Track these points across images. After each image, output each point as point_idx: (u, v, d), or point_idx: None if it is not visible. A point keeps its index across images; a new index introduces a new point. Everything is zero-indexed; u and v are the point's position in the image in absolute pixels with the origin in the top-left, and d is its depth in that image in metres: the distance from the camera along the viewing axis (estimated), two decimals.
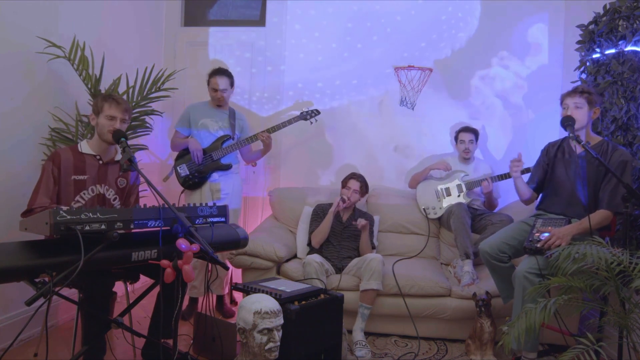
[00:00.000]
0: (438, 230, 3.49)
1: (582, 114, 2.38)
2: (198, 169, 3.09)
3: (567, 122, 2.32)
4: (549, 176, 2.63)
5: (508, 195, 3.41)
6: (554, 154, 2.61)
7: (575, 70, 2.99)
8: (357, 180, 3.14)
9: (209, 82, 3.13)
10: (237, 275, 3.54)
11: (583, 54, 2.92)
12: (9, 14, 2.48)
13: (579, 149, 2.46)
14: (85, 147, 2.31)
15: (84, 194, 2.27)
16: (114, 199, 2.37)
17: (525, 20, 3.72)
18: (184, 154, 3.15)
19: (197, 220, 2.05)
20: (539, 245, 2.28)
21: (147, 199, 2.68)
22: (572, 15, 3.47)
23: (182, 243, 1.76)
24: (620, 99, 2.59)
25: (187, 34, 4.10)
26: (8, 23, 2.48)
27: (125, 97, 2.93)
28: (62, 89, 2.86)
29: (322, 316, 2.28)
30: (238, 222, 3.31)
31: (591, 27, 2.85)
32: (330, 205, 3.11)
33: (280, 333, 1.97)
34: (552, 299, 1.82)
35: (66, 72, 2.78)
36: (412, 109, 3.81)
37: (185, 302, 3.15)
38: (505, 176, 3.17)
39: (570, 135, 2.24)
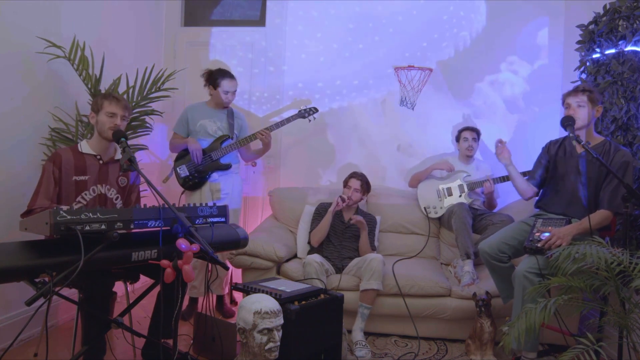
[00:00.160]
0: (438, 230, 3.49)
1: (584, 112, 2.37)
2: (198, 169, 3.09)
3: (567, 122, 2.32)
4: (550, 175, 2.63)
5: (508, 196, 3.41)
6: (554, 152, 2.61)
7: (575, 70, 2.99)
8: (358, 179, 3.14)
9: (218, 84, 3.09)
10: (237, 275, 3.54)
11: (583, 54, 2.92)
12: (9, 14, 2.48)
13: (579, 149, 2.45)
14: (85, 147, 2.31)
15: (85, 194, 2.27)
16: (116, 198, 2.37)
17: (525, 21, 3.72)
18: (183, 155, 3.14)
19: (197, 220, 2.05)
20: (539, 245, 2.28)
21: (147, 199, 2.67)
22: (572, 15, 3.47)
23: (182, 243, 1.76)
24: (620, 99, 2.59)
25: (187, 34, 4.10)
26: (8, 23, 2.48)
27: (125, 97, 2.93)
28: (62, 89, 2.86)
29: (322, 316, 2.28)
30: (238, 222, 3.31)
31: (591, 27, 2.85)
32: (332, 204, 3.11)
33: (280, 333, 1.97)
34: (552, 299, 1.82)
35: (66, 72, 2.78)
36: (412, 108, 3.81)
37: (185, 302, 3.15)
38: (507, 178, 3.17)
39: (571, 135, 2.24)
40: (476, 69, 3.78)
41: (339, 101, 3.94)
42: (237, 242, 2.25)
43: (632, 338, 1.79)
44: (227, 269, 1.91)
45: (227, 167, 3.16)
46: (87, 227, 1.67)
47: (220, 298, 3.29)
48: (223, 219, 2.15)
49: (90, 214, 1.69)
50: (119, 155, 2.38)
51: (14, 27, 2.52)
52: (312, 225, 3.18)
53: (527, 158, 2.77)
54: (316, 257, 2.83)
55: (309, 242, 3.17)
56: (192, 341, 2.56)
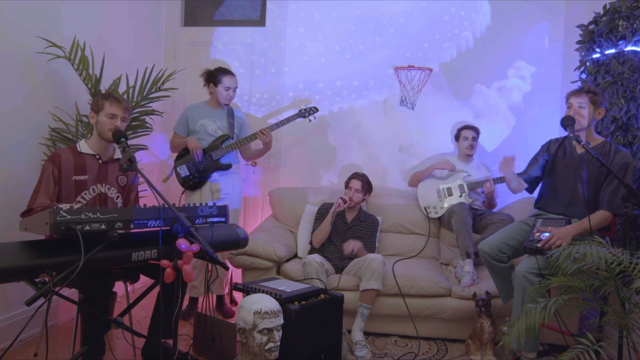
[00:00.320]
0: (438, 230, 3.49)
1: (585, 114, 2.37)
2: (198, 168, 3.09)
3: (566, 122, 2.31)
4: (549, 175, 2.63)
5: (508, 195, 3.40)
6: (554, 152, 2.61)
7: (575, 70, 2.99)
8: (359, 180, 3.14)
9: (219, 81, 3.09)
10: (237, 275, 3.54)
11: (583, 54, 2.92)
12: (9, 14, 2.48)
13: (579, 149, 2.45)
14: (84, 146, 2.30)
15: (85, 194, 2.27)
16: (117, 198, 2.37)
17: (526, 21, 3.72)
18: (183, 154, 3.14)
19: (197, 220, 2.05)
20: (539, 245, 2.28)
21: (147, 199, 2.68)
22: (572, 15, 3.47)
23: (182, 243, 1.76)
24: (620, 99, 2.59)
25: (187, 34, 4.10)
26: (8, 23, 2.48)
27: (125, 97, 2.92)
28: (62, 89, 2.86)
29: (322, 316, 2.28)
30: (238, 222, 3.30)
31: (591, 27, 2.85)
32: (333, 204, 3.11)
33: (280, 333, 1.97)
34: (552, 299, 1.82)
35: (66, 72, 2.78)
36: (412, 108, 3.81)
37: (185, 302, 3.15)
38: (503, 180, 3.17)
39: (571, 135, 2.23)
40: (477, 70, 3.78)
41: (339, 102, 3.94)
42: (237, 242, 2.25)
43: (632, 338, 1.79)
44: (227, 269, 1.91)
45: (227, 167, 3.16)
46: (87, 227, 1.67)
47: (220, 298, 3.29)
48: (223, 219, 2.15)
49: (90, 213, 1.69)
50: (118, 155, 2.38)
51: (14, 27, 2.52)
52: (314, 225, 3.19)
53: (527, 158, 2.77)
54: (316, 257, 2.83)
55: (310, 242, 3.17)
56: (192, 341, 2.56)
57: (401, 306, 2.80)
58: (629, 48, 2.59)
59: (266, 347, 1.92)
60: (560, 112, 3.44)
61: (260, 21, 4.05)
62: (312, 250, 3.13)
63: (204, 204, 2.10)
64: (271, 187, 3.87)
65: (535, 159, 2.70)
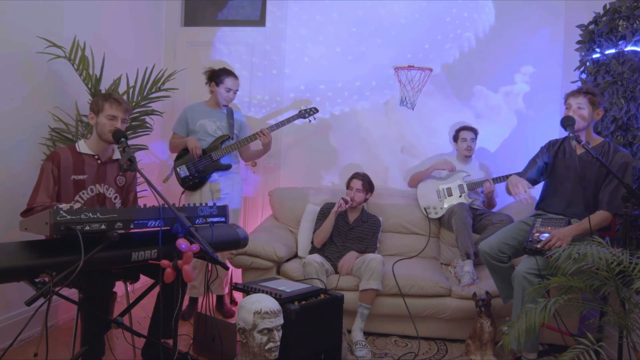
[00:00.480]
0: (438, 231, 3.49)
1: (584, 114, 2.37)
2: (198, 169, 3.09)
3: (566, 122, 2.31)
4: (549, 175, 2.63)
5: (508, 195, 3.40)
6: (554, 152, 2.61)
7: (575, 70, 2.99)
8: (360, 180, 3.14)
9: (221, 81, 3.10)
10: (237, 275, 3.54)
11: (583, 54, 2.92)
12: (9, 14, 2.48)
13: (579, 149, 2.45)
14: (83, 146, 2.30)
15: (83, 193, 2.27)
16: (115, 198, 2.37)
17: (526, 21, 3.72)
18: (183, 155, 3.14)
19: (197, 220, 2.05)
20: (538, 246, 2.28)
21: (147, 199, 2.68)
22: (572, 15, 3.47)
23: (182, 243, 1.76)
24: (620, 99, 2.59)
25: (187, 34, 4.10)
26: (8, 23, 2.48)
27: (125, 97, 2.93)
28: (62, 89, 2.86)
29: (322, 316, 2.28)
30: (238, 222, 3.30)
31: (591, 27, 2.85)
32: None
33: (280, 333, 1.97)
34: (552, 299, 1.82)
35: (66, 72, 2.78)
36: (412, 108, 3.81)
37: (185, 302, 3.15)
38: (507, 178, 3.17)
39: (570, 135, 2.23)
40: (478, 71, 3.78)
41: (341, 103, 3.94)
42: (237, 242, 2.25)
43: (632, 338, 1.79)
44: (227, 269, 1.91)
45: (227, 167, 3.16)
46: (87, 227, 1.67)
47: (220, 298, 3.29)
48: (223, 219, 2.15)
49: (90, 214, 1.69)
50: (117, 155, 2.39)
51: (15, 27, 2.52)
52: (316, 225, 3.19)
53: (527, 158, 2.77)
54: (316, 257, 2.83)
55: (312, 242, 3.17)
56: (192, 341, 2.56)
57: (401, 306, 2.80)
58: (629, 48, 2.59)
59: (266, 347, 1.92)
60: (560, 112, 3.43)
61: (260, 21, 4.05)
62: (313, 250, 3.13)
63: (204, 204, 2.10)
64: (271, 187, 3.87)
65: (533, 161, 2.69)
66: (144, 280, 2.43)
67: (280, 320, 1.98)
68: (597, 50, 2.76)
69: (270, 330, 1.92)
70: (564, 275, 1.86)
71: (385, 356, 2.64)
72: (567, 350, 1.69)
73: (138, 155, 3.23)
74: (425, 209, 3.45)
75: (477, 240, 3.01)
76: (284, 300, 2.14)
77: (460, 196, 3.33)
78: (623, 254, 1.76)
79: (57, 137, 2.74)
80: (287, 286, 2.34)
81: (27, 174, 2.55)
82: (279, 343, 1.96)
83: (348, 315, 2.71)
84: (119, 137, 2.15)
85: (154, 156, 3.93)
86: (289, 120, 3.29)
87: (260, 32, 4.00)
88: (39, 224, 1.64)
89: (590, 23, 2.86)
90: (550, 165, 2.61)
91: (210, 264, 2.03)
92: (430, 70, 3.74)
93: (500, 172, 3.24)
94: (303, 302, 2.21)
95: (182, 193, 3.16)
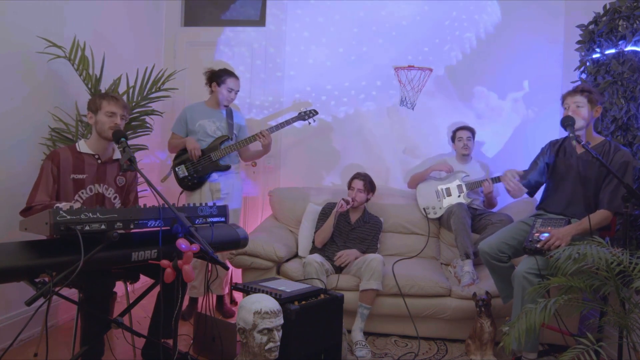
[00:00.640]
0: (438, 230, 3.49)
1: (583, 113, 2.37)
2: (196, 169, 3.09)
3: (566, 122, 2.31)
4: (550, 175, 2.62)
5: (508, 195, 3.40)
6: (555, 152, 2.61)
7: (575, 70, 2.99)
8: (361, 179, 3.14)
9: (223, 81, 3.10)
10: (237, 275, 3.54)
11: (583, 54, 2.92)
12: (10, 14, 2.48)
13: (579, 149, 2.45)
14: (83, 146, 2.30)
15: (82, 193, 2.27)
16: (114, 198, 2.37)
17: (526, 21, 3.71)
18: (182, 155, 3.14)
19: (197, 220, 2.05)
20: (538, 245, 2.28)
21: (147, 199, 2.68)
22: (572, 15, 3.48)
23: (182, 243, 1.76)
24: (620, 99, 2.59)
25: (187, 34, 4.10)
26: (8, 23, 2.48)
27: (125, 97, 2.93)
28: (62, 89, 2.86)
29: (322, 316, 2.28)
30: (238, 222, 3.31)
31: (591, 27, 2.85)
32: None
33: (280, 333, 1.97)
34: (552, 299, 1.82)
35: (66, 72, 2.78)
36: (412, 109, 3.81)
37: (185, 302, 3.15)
38: None
39: (571, 135, 2.23)
40: (478, 71, 3.78)
41: (342, 104, 3.94)
42: (237, 242, 2.25)
43: (632, 338, 1.79)
44: (227, 269, 1.91)
45: (226, 168, 3.16)
46: (87, 227, 1.67)
47: (220, 298, 3.29)
48: (223, 219, 2.15)
49: (90, 214, 1.69)
50: (117, 155, 2.39)
51: (15, 27, 2.52)
52: (317, 224, 3.19)
53: (527, 158, 2.77)
54: (316, 257, 2.83)
55: (313, 242, 3.17)
56: (192, 341, 2.56)
57: (401, 306, 2.80)
58: (629, 48, 2.59)
59: (266, 347, 1.92)
60: (560, 112, 3.42)
61: (260, 21, 4.05)
62: (313, 250, 3.13)
63: (203, 204, 2.10)
64: (271, 187, 3.87)
65: (534, 164, 2.68)
66: (144, 280, 2.43)
67: (280, 320, 1.98)
68: (597, 50, 2.76)
69: (270, 330, 1.92)
70: (564, 275, 1.86)
71: (385, 356, 2.64)
72: (567, 350, 1.69)
73: (138, 155, 3.23)
74: (424, 209, 3.45)
75: (476, 240, 3.01)
76: (284, 300, 2.14)
77: (459, 196, 3.33)
78: (623, 254, 1.76)
79: (57, 137, 2.74)
80: (287, 286, 2.34)
81: (27, 174, 2.55)
82: (279, 343, 1.96)
83: (348, 315, 2.71)
84: (119, 137, 2.15)
85: (154, 156, 3.93)
86: (288, 122, 3.30)
87: (260, 32, 4.00)
88: (39, 224, 1.64)
89: (590, 23, 2.86)
90: (552, 165, 2.61)
91: (210, 264, 2.03)
92: (430, 70, 3.74)
93: (500, 172, 3.24)
94: (303, 302, 2.21)
95: (181, 193, 3.16)
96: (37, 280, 1.61)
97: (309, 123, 3.41)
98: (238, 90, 3.18)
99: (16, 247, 1.64)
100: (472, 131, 3.43)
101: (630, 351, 1.82)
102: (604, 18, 2.73)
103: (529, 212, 2.84)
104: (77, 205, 2.17)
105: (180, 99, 3.84)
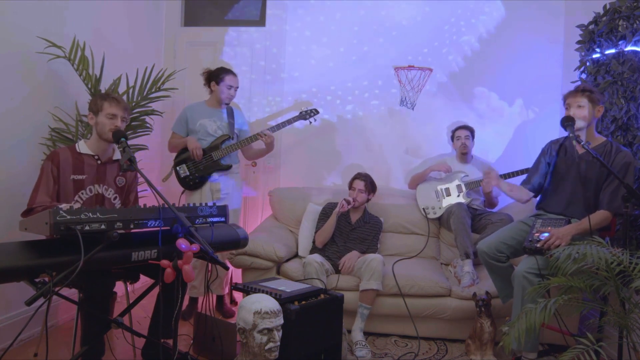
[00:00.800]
0: (438, 230, 3.48)
1: (584, 113, 2.36)
2: (198, 169, 3.09)
3: (567, 122, 2.31)
4: (550, 175, 2.62)
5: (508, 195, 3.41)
6: (555, 152, 2.60)
7: (575, 70, 2.99)
8: (362, 180, 3.14)
9: (221, 79, 3.10)
10: (237, 275, 3.54)
11: (583, 54, 2.92)
12: (10, 14, 2.48)
13: (580, 149, 2.45)
14: (83, 147, 2.30)
15: (82, 193, 2.26)
16: (114, 198, 2.37)
17: (526, 22, 3.71)
18: (183, 155, 3.14)
19: (197, 220, 2.05)
20: (538, 245, 2.28)
21: (147, 199, 2.68)
22: (572, 15, 3.48)
23: (182, 243, 1.76)
24: (620, 99, 2.59)
25: (187, 34, 4.10)
26: (8, 23, 2.48)
27: (125, 97, 2.93)
28: (62, 89, 2.86)
29: (322, 316, 2.28)
30: (238, 222, 3.30)
31: (591, 27, 2.85)
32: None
33: (280, 333, 1.97)
34: (552, 299, 1.82)
35: (66, 72, 2.78)
36: (412, 109, 3.81)
37: (185, 302, 3.14)
38: (505, 176, 3.18)
39: (571, 135, 2.23)
40: (478, 71, 3.78)
41: (346, 104, 3.94)
42: (237, 242, 2.25)
43: (632, 338, 1.79)
44: (227, 269, 1.91)
45: (227, 167, 3.16)
46: (87, 227, 1.67)
47: (220, 298, 3.29)
48: (223, 219, 2.15)
49: (90, 213, 1.69)
50: (117, 156, 2.38)
51: (15, 27, 2.52)
52: (317, 224, 3.19)
53: (527, 158, 2.77)
54: (316, 257, 2.83)
55: (313, 242, 3.17)
56: (192, 341, 2.56)
57: (401, 306, 2.80)
58: (629, 48, 2.59)
59: (266, 347, 1.92)
60: (560, 112, 3.43)
61: (260, 21, 4.05)
62: (313, 250, 3.13)
63: (203, 204, 2.10)
64: (271, 187, 3.87)
65: (536, 167, 2.66)
66: (144, 280, 2.43)
67: (280, 320, 1.98)
68: (597, 50, 2.76)
69: (270, 330, 1.93)
70: (564, 275, 1.86)
71: (385, 356, 2.64)
72: (567, 350, 1.69)
73: (138, 155, 3.23)
74: (423, 209, 3.45)
75: (476, 240, 3.01)
76: (284, 300, 2.14)
77: (459, 196, 3.33)
78: (623, 254, 1.76)
79: (57, 137, 2.74)
80: (287, 286, 2.34)
81: (27, 174, 2.55)
82: (279, 343, 1.96)
83: (348, 315, 2.71)
84: (119, 137, 2.15)
85: (154, 156, 3.93)
86: (289, 122, 3.30)
87: (261, 33, 4.00)
88: (39, 224, 1.64)
89: (590, 23, 2.86)
90: (552, 165, 2.60)
91: (210, 264, 2.03)
92: (430, 70, 3.74)
93: (501, 172, 3.24)
94: (303, 302, 2.21)
95: (182, 193, 3.16)
96: (37, 280, 1.61)
97: (310, 122, 3.41)
98: (237, 87, 3.18)
99: (16, 247, 1.64)
100: (471, 130, 3.43)
101: (630, 351, 1.82)
102: (604, 18, 2.73)
103: (529, 212, 2.84)
104: (77, 206, 2.17)
105: (180, 99, 3.84)
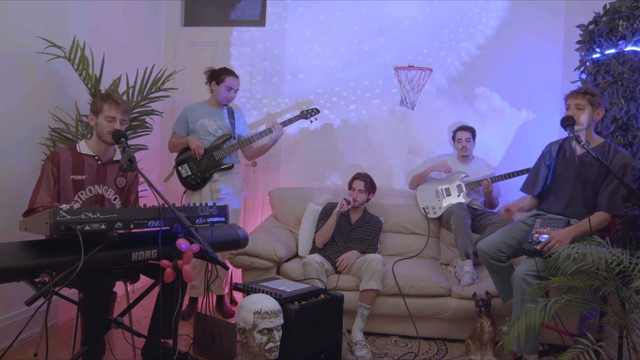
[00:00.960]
0: (438, 230, 3.48)
1: (583, 115, 2.37)
2: (200, 168, 3.09)
3: (567, 122, 2.31)
4: (551, 176, 2.62)
5: (508, 195, 3.40)
6: (555, 153, 2.60)
7: (575, 70, 2.99)
8: (361, 180, 3.14)
9: (222, 80, 3.10)
10: (237, 275, 3.54)
11: (583, 54, 2.92)
12: (10, 14, 2.48)
13: (579, 150, 2.45)
14: (83, 147, 2.30)
15: (82, 194, 2.26)
16: (115, 199, 2.37)
17: (527, 22, 3.71)
18: (184, 154, 3.14)
19: (197, 220, 2.05)
20: (538, 247, 2.28)
21: (147, 199, 2.68)
22: (572, 15, 3.47)
23: (182, 243, 1.76)
24: (620, 99, 2.59)
25: (187, 34, 4.10)
26: (8, 23, 2.48)
27: (125, 97, 2.93)
28: (62, 89, 2.86)
29: (322, 316, 2.28)
30: (238, 222, 3.30)
31: (591, 27, 2.85)
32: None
33: (280, 333, 1.97)
34: (552, 299, 1.82)
35: (66, 72, 2.78)
36: (412, 109, 3.81)
37: (185, 302, 3.14)
38: (505, 176, 3.18)
39: (571, 135, 2.23)
40: (479, 71, 3.78)
41: (346, 104, 3.93)
42: (237, 242, 2.25)
43: (632, 338, 1.79)
44: (227, 269, 1.91)
45: (229, 167, 3.16)
46: (87, 227, 1.67)
47: (220, 298, 3.29)
48: (223, 219, 2.15)
49: (90, 213, 1.69)
50: (118, 157, 2.38)
51: (14, 27, 2.52)
52: (318, 224, 3.19)
53: (527, 158, 2.77)
54: (316, 257, 2.83)
55: (313, 242, 3.17)
56: (192, 341, 2.56)
57: (401, 306, 2.80)
58: (629, 48, 2.59)
59: (266, 347, 1.92)
60: (560, 112, 3.43)
61: (260, 21, 4.05)
62: (313, 250, 3.13)
63: (204, 204, 2.10)
64: (271, 187, 3.87)
65: (536, 173, 2.64)
66: (144, 280, 2.43)
67: (280, 320, 1.98)
68: (597, 50, 2.76)
69: (270, 330, 1.93)
70: (563, 275, 1.86)
71: (385, 356, 2.64)
72: (567, 350, 1.69)
73: (138, 155, 3.23)
74: (424, 209, 3.45)
75: (476, 240, 3.01)
76: (284, 300, 2.14)
77: (459, 196, 3.33)
78: (623, 254, 1.76)
79: (57, 137, 2.74)
80: (287, 286, 2.34)
81: (27, 174, 2.55)
82: (279, 343, 1.96)
83: (348, 315, 2.71)
84: (118, 137, 2.15)
85: (154, 156, 3.93)
86: (290, 121, 3.31)
87: (261, 32, 4.00)
88: (39, 223, 1.64)
89: (590, 23, 2.86)
90: (552, 165, 2.60)
91: (210, 264, 2.02)
92: (430, 70, 3.74)
93: (501, 172, 3.25)
94: (303, 302, 2.21)
95: (184, 192, 3.16)
96: (37, 280, 1.61)
97: (311, 122, 3.41)
98: (237, 89, 3.18)
99: (16, 247, 1.64)
100: (471, 131, 3.43)
101: (630, 351, 1.82)
102: (604, 18, 2.72)
103: (529, 212, 2.84)
104: (77, 206, 2.17)
105: (180, 98, 3.84)
